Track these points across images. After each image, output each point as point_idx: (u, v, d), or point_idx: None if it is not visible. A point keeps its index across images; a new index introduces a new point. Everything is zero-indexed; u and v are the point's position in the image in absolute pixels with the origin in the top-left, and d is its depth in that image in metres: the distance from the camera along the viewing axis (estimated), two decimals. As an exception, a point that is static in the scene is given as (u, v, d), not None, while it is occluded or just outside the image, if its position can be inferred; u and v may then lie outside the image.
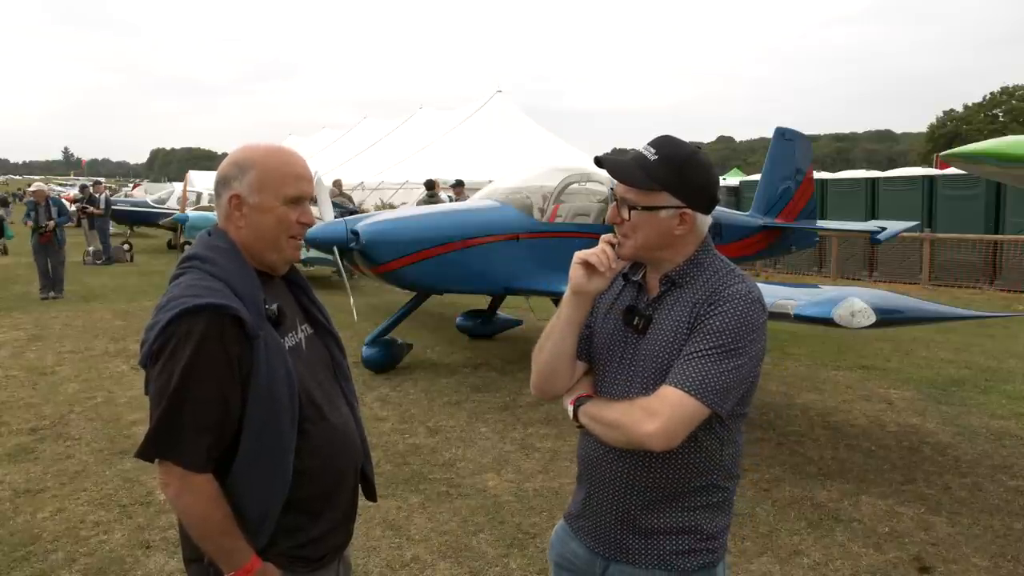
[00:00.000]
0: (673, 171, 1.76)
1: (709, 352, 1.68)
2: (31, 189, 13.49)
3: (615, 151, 1.92)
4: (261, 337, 1.68)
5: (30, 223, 12.68)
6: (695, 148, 1.82)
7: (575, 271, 1.81)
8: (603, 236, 1.85)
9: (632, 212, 1.78)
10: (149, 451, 1.66)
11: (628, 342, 1.84)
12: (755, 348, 1.74)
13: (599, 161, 1.88)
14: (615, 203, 1.83)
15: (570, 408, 1.87)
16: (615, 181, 1.82)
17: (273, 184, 1.78)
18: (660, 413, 1.65)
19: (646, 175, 1.76)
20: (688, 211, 1.78)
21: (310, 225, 1.87)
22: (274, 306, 1.77)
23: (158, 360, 1.64)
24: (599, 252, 1.80)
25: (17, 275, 12.50)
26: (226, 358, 1.64)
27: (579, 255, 1.81)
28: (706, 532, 1.81)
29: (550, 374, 1.88)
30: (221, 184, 1.82)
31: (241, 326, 1.66)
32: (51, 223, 12.63)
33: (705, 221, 1.83)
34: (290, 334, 1.83)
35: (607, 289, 1.89)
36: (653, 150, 1.78)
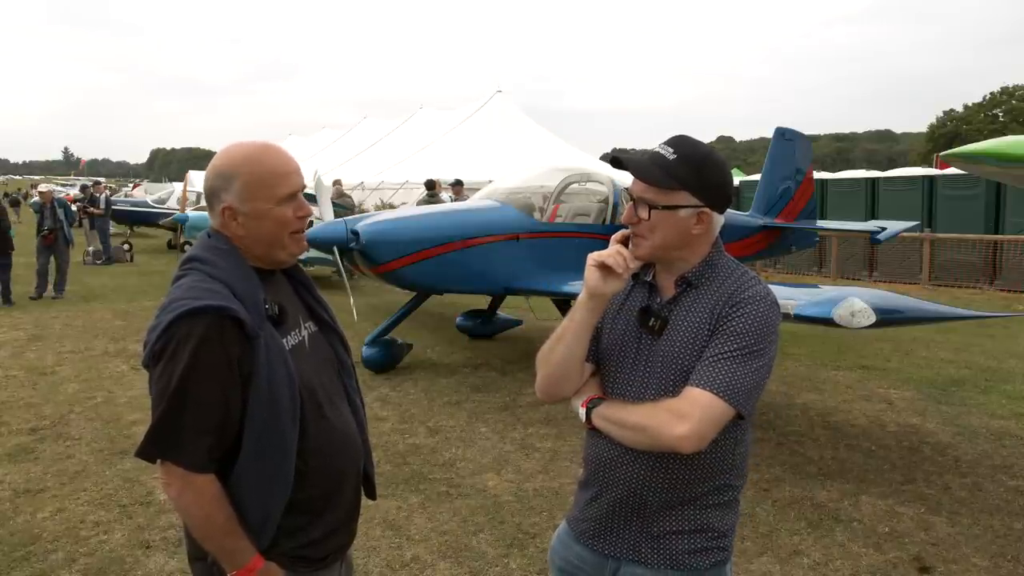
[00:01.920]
0: (692, 170, 1.75)
1: (734, 354, 1.68)
2: (38, 190, 13.49)
3: (616, 151, 1.90)
4: (261, 338, 1.69)
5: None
6: (711, 147, 1.82)
7: (591, 273, 1.78)
8: (614, 236, 1.82)
9: (652, 211, 1.76)
10: (150, 451, 1.67)
11: (642, 343, 1.82)
12: (773, 349, 1.75)
13: (618, 160, 1.85)
14: (632, 203, 1.81)
15: (582, 411, 1.84)
16: (632, 180, 1.81)
17: (262, 189, 1.76)
18: (690, 415, 1.64)
19: (666, 174, 1.75)
20: (706, 210, 1.77)
21: (308, 215, 1.87)
22: (275, 306, 1.77)
23: (159, 361, 1.65)
24: (615, 253, 1.77)
25: (17, 275, 12.48)
26: (226, 359, 1.64)
27: (594, 256, 1.78)
28: (718, 530, 1.81)
29: (560, 378, 1.86)
30: (211, 196, 1.81)
31: (241, 327, 1.66)
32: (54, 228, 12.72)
33: (719, 221, 1.82)
34: (292, 332, 1.83)
35: None
36: (671, 149, 1.77)
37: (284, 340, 1.77)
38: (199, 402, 1.63)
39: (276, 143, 1.93)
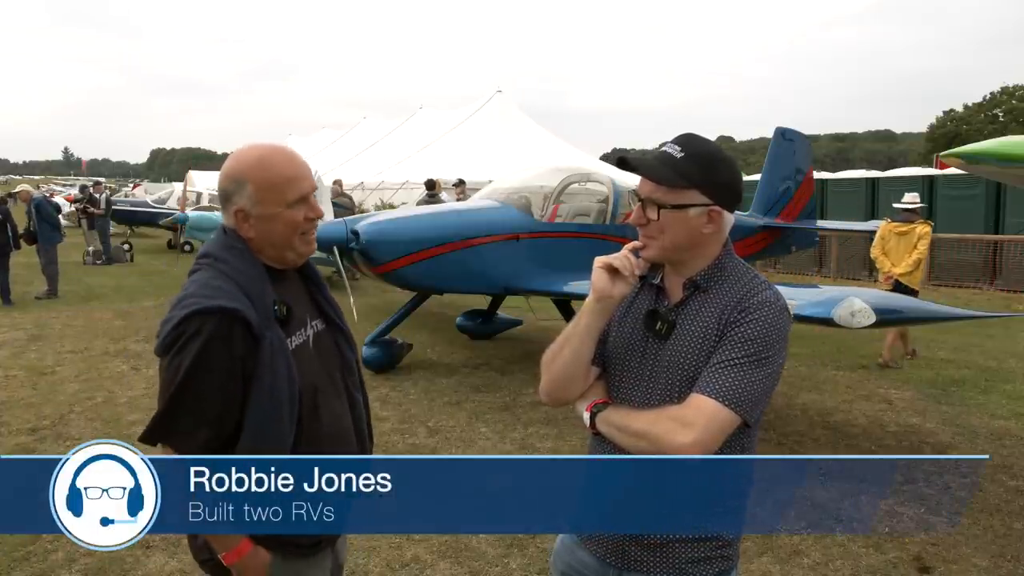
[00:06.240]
0: (702, 168, 1.72)
1: (741, 361, 1.66)
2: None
3: (615, 151, 1.89)
4: (267, 338, 1.76)
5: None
6: (719, 145, 1.80)
7: (598, 276, 1.75)
8: (628, 245, 1.80)
9: (661, 212, 1.73)
10: (151, 436, 1.78)
11: (648, 347, 1.79)
12: (782, 356, 1.73)
13: (624, 161, 1.81)
14: (640, 204, 1.78)
15: (586, 415, 1.81)
16: (639, 181, 1.78)
17: (273, 193, 1.83)
18: (695, 424, 1.61)
19: (675, 172, 1.72)
20: (717, 209, 1.74)
21: (319, 217, 1.94)
22: (283, 307, 1.85)
23: (168, 353, 1.74)
24: (623, 256, 1.75)
25: (16, 275, 12.49)
26: (231, 357, 1.73)
27: (602, 260, 1.75)
28: (722, 539, 1.78)
29: (566, 381, 1.83)
30: (223, 199, 1.89)
31: (248, 328, 1.74)
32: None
33: (729, 220, 1.79)
34: (298, 332, 1.90)
35: None
36: (679, 148, 1.74)
37: (289, 340, 1.84)
38: (200, 396, 1.72)
39: (284, 145, 1.97)
